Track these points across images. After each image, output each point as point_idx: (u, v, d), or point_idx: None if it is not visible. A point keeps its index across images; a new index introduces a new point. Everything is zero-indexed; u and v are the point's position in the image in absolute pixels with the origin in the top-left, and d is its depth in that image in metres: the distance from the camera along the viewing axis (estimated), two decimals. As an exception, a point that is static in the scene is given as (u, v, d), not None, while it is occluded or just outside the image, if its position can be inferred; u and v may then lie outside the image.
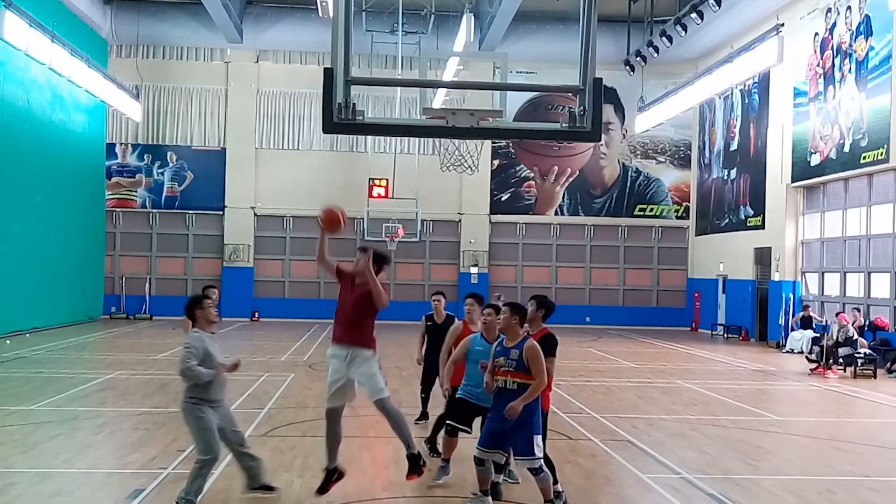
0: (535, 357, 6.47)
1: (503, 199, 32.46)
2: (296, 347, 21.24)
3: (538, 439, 6.59)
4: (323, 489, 7.08)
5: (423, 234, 30.87)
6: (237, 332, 26.25)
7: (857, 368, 17.94)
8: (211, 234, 31.59)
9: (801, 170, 24.38)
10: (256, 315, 31.05)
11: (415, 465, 7.25)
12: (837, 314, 19.96)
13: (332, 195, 30.69)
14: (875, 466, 9.39)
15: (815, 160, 23.74)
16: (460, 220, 32.31)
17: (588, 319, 31.01)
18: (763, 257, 26.66)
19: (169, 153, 31.49)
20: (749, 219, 27.60)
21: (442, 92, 24.39)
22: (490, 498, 6.91)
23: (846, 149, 22.17)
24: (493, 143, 30.52)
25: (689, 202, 32.86)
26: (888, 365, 18.65)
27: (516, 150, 32.28)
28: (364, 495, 7.36)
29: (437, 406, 9.15)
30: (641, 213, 32.94)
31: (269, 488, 7.18)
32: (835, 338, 18.60)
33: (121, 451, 9.25)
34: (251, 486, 7.14)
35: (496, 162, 32.30)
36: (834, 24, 22.91)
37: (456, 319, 9.16)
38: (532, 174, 32.44)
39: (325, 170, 31.59)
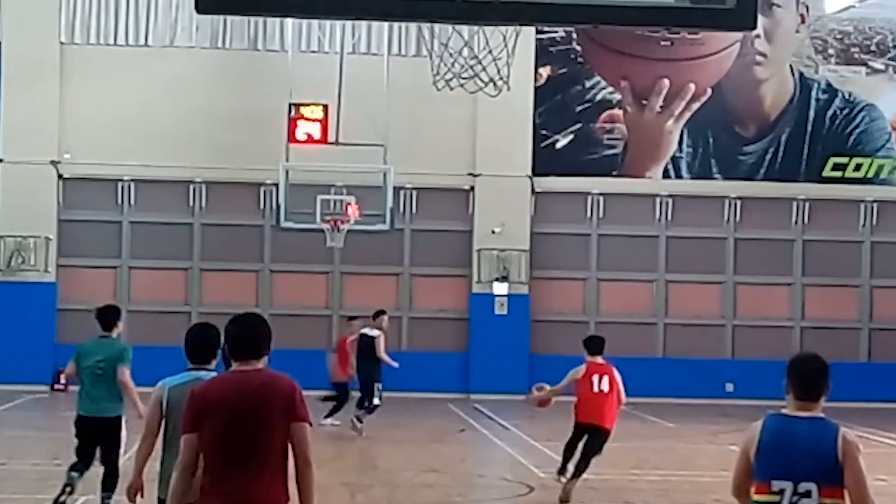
0: None
1: (558, 145, 29.22)
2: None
3: None
4: None
5: (400, 215, 27.73)
6: (21, 412, 23.60)
7: None
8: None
9: None
10: (62, 378, 25.93)
11: None
12: None
13: (215, 138, 28.75)
14: None
15: None
16: (473, 189, 28.77)
17: (731, 389, 28.20)
18: None
19: None
20: None
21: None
22: None
23: None
24: (537, 31, 26.99)
25: (933, 152, 30.32)
26: None
27: (585, 46, 29.34)
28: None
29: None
30: (839, 172, 29.43)
31: None
32: None
33: None
34: None
35: (545, 72, 29.15)
36: None
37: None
38: (618, 95, 29.30)
39: (202, 85, 28.71)
